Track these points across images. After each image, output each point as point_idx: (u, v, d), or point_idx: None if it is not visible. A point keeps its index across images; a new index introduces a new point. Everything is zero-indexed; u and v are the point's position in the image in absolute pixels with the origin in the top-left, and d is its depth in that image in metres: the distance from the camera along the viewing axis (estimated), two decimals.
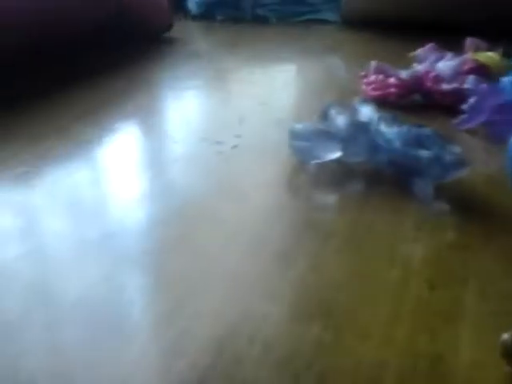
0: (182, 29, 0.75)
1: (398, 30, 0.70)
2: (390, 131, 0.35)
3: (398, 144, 0.34)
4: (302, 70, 0.64)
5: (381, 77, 0.48)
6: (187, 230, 0.30)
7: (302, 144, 0.37)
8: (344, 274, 0.26)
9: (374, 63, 0.49)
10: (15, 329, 0.22)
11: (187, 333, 0.22)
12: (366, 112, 0.40)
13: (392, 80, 0.47)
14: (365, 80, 0.49)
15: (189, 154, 0.40)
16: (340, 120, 0.38)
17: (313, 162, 0.36)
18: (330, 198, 0.34)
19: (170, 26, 0.70)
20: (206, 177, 0.36)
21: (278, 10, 0.84)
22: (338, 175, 0.36)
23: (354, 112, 0.41)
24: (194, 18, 0.83)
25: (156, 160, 0.40)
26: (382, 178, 0.35)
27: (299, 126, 0.38)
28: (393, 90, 0.47)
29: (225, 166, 0.38)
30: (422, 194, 0.33)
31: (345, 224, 0.31)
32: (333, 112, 0.40)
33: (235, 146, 0.40)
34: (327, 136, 0.37)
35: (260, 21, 0.82)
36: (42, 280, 0.26)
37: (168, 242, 0.29)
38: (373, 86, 0.47)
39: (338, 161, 0.36)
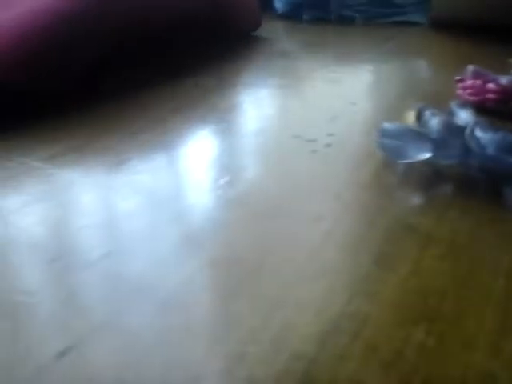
0: (269, 28, 0.75)
1: (492, 33, 0.68)
2: (485, 136, 0.34)
3: (491, 150, 0.33)
4: (387, 72, 0.63)
5: (479, 82, 0.46)
6: (280, 228, 0.30)
7: (392, 142, 0.37)
8: (446, 281, 0.26)
9: (471, 67, 0.48)
10: (100, 328, 0.23)
11: (289, 325, 0.23)
12: (464, 116, 0.40)
13: (491, 85, 0.45)
14: (461, 84, 0.48)
15: (279, 151, 0.40)
16: (434, 122, 0.37)
17: (402, 161, 0.36)
18: (424, 201, 0.33)
19: (258, 25, 0.71)
20: (297, 174, 0.36)
21: (364, 11, 0.83)
22: (428, 177, 0.35)
23: (450, 115, 0.40)
24: (280, 17, 0.83)
25: (245, 156, 0.40)
26: (473, 183, 0.34)
27: (389, 125, 0.37)
28: (491, 95, 0.45)
29: (318, 164, 0.38)
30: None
31: (443, 229, 0.30)
32: (427, 113, 0.39)
33: (329, 145, 0.40)
34: (418, 136, 0.36)
35: (346, 21, 0.82)
36: (124, 278, 0.26)
37: (261, 238, 0.29)
38: (470, 90, 0.46)
39: (427, 162, 0.35)
